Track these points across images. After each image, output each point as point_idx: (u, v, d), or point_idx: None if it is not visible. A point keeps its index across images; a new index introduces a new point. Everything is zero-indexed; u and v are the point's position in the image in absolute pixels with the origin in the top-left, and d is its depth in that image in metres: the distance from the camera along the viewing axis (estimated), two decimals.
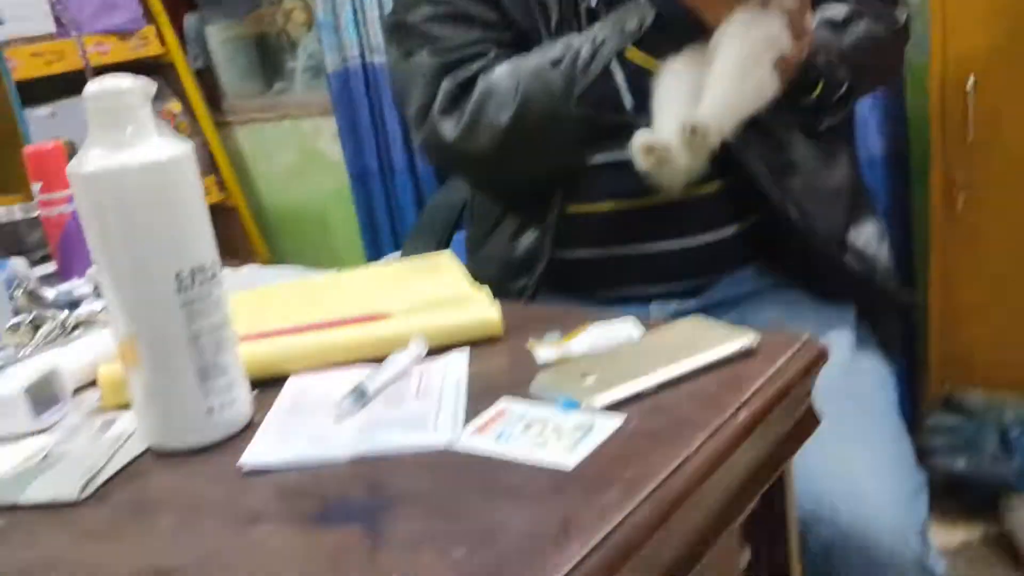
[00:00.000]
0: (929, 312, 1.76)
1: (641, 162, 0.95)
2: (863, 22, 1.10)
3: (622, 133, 0.99)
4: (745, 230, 1.11)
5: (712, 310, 1.10)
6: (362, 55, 2.41)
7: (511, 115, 1.05)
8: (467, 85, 1.09)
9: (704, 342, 0.70)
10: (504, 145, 1.07)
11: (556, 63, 1.04)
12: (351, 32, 2.39)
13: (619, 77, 1.03)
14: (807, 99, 1.06)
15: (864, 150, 1.82)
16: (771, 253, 1.13)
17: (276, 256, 3.02)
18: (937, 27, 1.61)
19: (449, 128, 1.09)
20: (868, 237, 1.16)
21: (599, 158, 1.10)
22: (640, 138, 0.94)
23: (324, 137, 2.80)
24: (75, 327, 0.92)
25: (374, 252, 2.54)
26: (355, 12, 2.37)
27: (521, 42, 1.11)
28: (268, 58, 3.09)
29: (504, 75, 1.07)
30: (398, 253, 2.19)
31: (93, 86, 0.65)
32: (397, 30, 1.17)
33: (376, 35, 2.33)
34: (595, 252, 1.13)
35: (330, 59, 2.47)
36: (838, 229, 1.12)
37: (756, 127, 1.04)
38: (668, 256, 1.10)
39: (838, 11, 1.10)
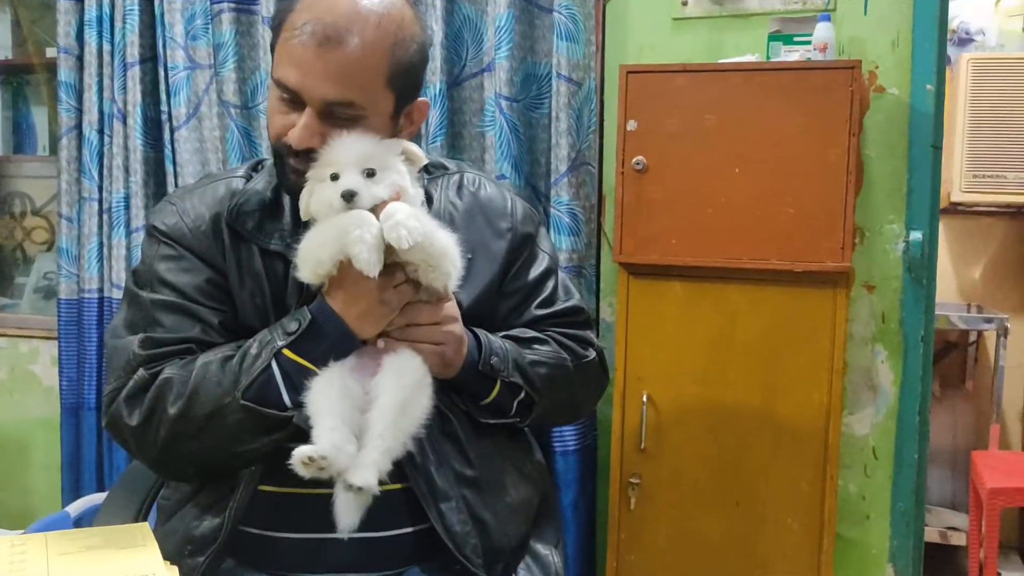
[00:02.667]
0: None
1: (303, 472, 1.06)
2: (548, 347, 1.31)
3: (287, 426, 1.12)
4: (425, 530, 1.21)
5: None
6: (100, 288, 2.41)
7: (180, 406, 1.14)
8: (158, 376, 1.17)
9: None
10: (174, 435, 1.15)
11: (227, 359, 1.16)
12: (93, 265, 2.40)
13: (277, 375, 1.14)
14: (484, 400, 1.24)
15: (560, 443, 2.06)
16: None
17: None
18: (620, 350, 1.91)
19: (130, 415, 1.16)
20: (546, 543, 1.33)
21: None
22: (298, 451, 1.05)
23: (42, 361, 2.69)
24: None
25: (72, 491, 2.39)
26: (101, 247, 2.40)
27: (247, 339, 1.19)
28: None
29: (182, 369, 1.16)
30: (98, 495, 2.10)
31: None
32: (130, 298, 1.25)
33: (118, 272, 2.35)
34: (285, 534, 1.19)
35: (65, 286, 2.44)
36: (516, 540, 1.27)
37: (447, 438, 1.19)
38: (353, 544, 1.17)
39: (525, 332, 1.31)
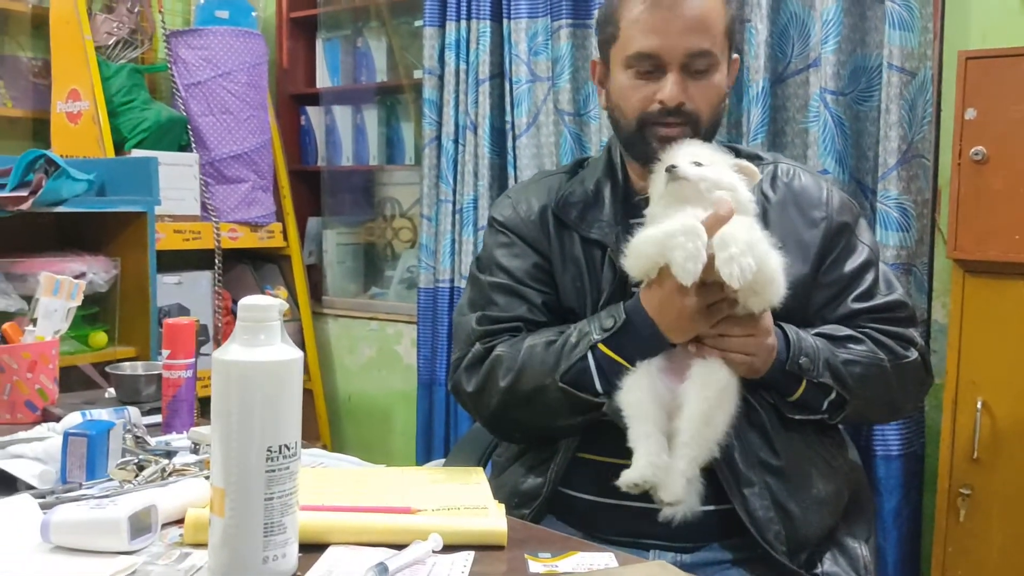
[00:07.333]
0: None
1: (634, 492, 1.14)
2: (864, 346, 1.27)
3: (598, 409, 1.22)
4: (728, 511, 1.23)
5: (701, 568, 1.24)
6: (452, 280, 2.73)
7: (509, 380, 1.27)
8: (492, 350, 1.31)
9: None
10: (503, 404, 1.29)
11: (550, 343, 1.27)
12: (447, 259, 2.73)
13: (592, 366, 1.23)
14: (790, 397, 1.25)
15: (882, 447, 1.98)
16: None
17: (336, 440, 3.24)
18: (953, 353, 1.81)
19: (469, 382, 1.33)
20: (855, 537, 1.31)
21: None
22: (625, 479, 1.13)
23: (404, 342, 3.09)
24: (171, 473, 1.14)
25: (424, 456, 2.73)
26: (453, 243, 2.71)
27: (567, 318, 1.33)
28: (371, 265, 3.48)
29: (511, 348, 1.29)
30: (442, 462, 2.38)
31: (248, 300, 0.90)
32: (473, 280, 1.43)
33: (466, 265, 2.66)
34: (598, 499, 1.29)
35: (424, 276, 2.80)
36: (822, 531, 1.26)
37: (753, 428, 1.23)
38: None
39: (839, 330, 1.29)
